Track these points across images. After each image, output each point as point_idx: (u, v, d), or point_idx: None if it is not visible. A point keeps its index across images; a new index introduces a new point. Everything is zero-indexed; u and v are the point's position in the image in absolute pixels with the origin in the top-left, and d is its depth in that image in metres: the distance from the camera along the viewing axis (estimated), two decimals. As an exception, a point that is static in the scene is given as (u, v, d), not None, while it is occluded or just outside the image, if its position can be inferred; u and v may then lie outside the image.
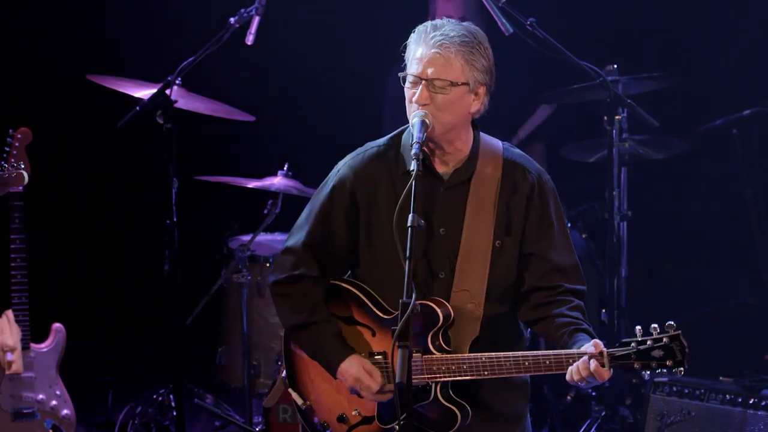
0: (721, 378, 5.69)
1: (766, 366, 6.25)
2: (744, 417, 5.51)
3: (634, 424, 6.29)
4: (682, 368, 3.81)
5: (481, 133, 4.20)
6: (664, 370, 3.83)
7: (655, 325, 3.82)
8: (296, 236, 4.28)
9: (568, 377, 3.89)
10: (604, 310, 6.43)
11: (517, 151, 4.25)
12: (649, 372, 3.84)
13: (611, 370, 3.86)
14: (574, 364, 3.87)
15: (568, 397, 6.71)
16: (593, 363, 3.84)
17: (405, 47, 4.10)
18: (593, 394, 6.57)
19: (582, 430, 6.38)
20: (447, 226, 4.14)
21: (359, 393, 4.15)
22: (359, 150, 4.27)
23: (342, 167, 4.25)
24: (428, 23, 4.08)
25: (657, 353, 3.81)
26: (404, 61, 4.11)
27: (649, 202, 7.07)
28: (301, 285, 4.24)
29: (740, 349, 6.83)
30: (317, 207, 4.25)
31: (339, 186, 4.21)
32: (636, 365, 3.84)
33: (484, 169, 4.15)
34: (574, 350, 3.91)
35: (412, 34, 4.09)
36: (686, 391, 5.67)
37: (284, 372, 4.39)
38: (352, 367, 4.13)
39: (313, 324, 4.21)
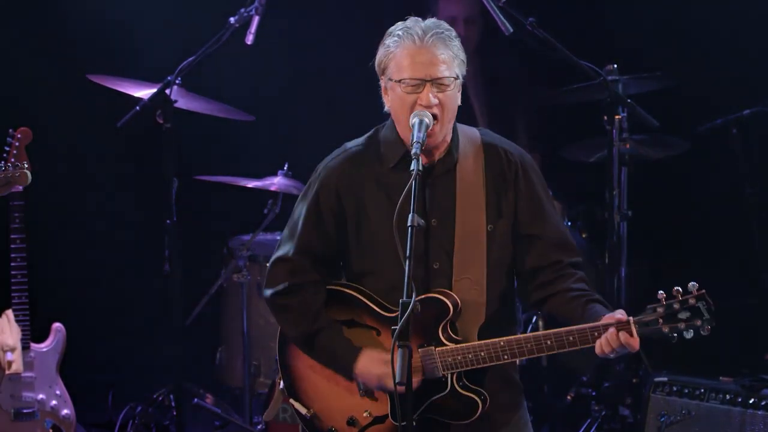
0: (721, 378, 5.69)
1: (766, 366, 6.24)
2: (744, 417, 5.50)
3: (634, 423, 6.29)
4: (710, 326, 3.81)
5: (456, 123, 4.21)
6: (692, 331, 3.81)
7: (679, 288, 3.83)
8: (286, 245, 4.25)
9: (597, 350, 3.88)
10: (604, 310, 6.42)
11: (493, 133, 4.26)
12: (677, 334, 3.83)
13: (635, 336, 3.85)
14: (602, 337, 3.86)
15: (568, 397, 6.71)
16: (622, 334, 3.84)
17: (383, 55, 4.09)
18: (593, 393, 6.57)
19: (582, 430, 6.38)
20: (438, 216, 4.14)
21: (385, 389, 4.12)
22: (337, 151, 4.26)
23: (322, 169, 4.23)
24: (410, 26, 4.05)
25: (684, 314, 3.81)
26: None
27: (649, 202, 7.07)
28: (301, 294, 4.21)
29: (740, 349, 6.83)
30: (304, 212, 4.22)
31: (323, 187, 4.20)
32: (664, 329, 3.83)
33: (467, 156, 4.16)
34: (599, 323, 3.89)
35: (391, 39, 4.07)
36: (686, 390, 5.66)
37: (282, 384, 4.35)
38: (372, 366, 4.10)
39: (315, 332, 4.18)
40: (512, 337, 3.99)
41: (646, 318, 3.85)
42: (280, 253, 4.26)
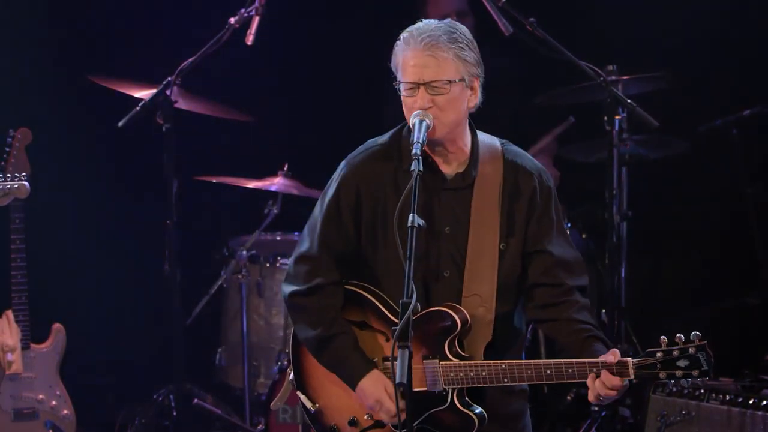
0: (721, 378, 5.69)
1: (766, 366, 6.24)
2: (744, 417, 5.50)
3: (634, 424, 6.29)
4: (707, 378, 3.84)
5: (479, 132, 4.21)
6: (689, 380, 3.85)
7: (681, 335, 3.84)
8: (308, 241, 4.24)
9: (590, 397, 3.92)
10: (604, 310, 6.43)
11: (515, 149, 4.25)
12: (673, 381, 3.87)
13: (625, 382, 3.87)
14: (597, 381, 3.88)
15: (568, 397, 6.71)
16: (604, 374, 3.87)
17: (393, 57, 4.09)
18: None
19: (582, 430, 6.38)
20: (452, 226, 4.14)
21: (375, 413, 4.14)
22: (361, 148, 4.25)
23: (345, 166, 4.22)
24: (412, 28, 4.07)
25: (683, 363, 3.83)
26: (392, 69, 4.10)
27: (649, 202, 7.07)
28: (320, 296, 4.20)
29: (740, 349, 6.83)
30: (324, 209, 4.21)
31: (344, 184, 4.19)
32: (661, 375, 3.86)
33: (486, 172, 4.15)
34: (598, 360, 3.92)
35: (398, 43, 4.08)
36: (686, 391, 5.66)
37: (292, 374, 4.36)
38: (375, 388, 4.11)
39: (331, 337, 4.18)
40: (514, 361, 4.01)
41: (645, 361, 3.87)
42: (302, 249, 4.25)
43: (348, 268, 4.25)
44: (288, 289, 4.26)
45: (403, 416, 3.84)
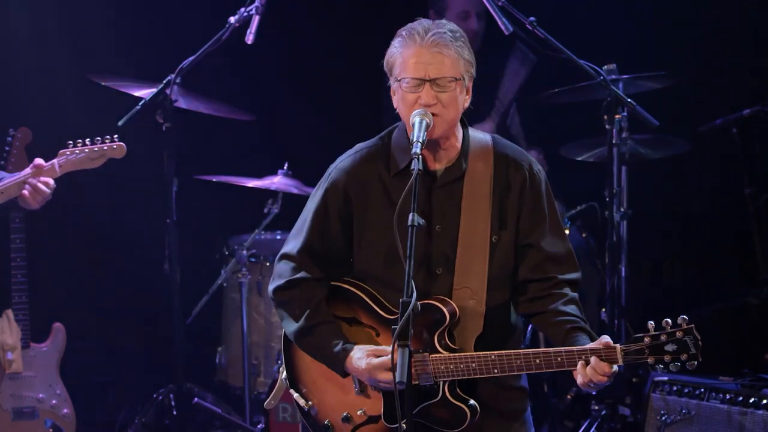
0: (721, 377, 5.69)
1: (766, 366, 6.24)
2: (744, 417, 5.50)
3: (634, 423, 6.30)
4: (695, 362, 3.83)
5: (469, 128, 4.22)
6: (678, 364, 3.84)
7: (668, 320, 3.85)
8: (292, 243, 4.29)
9: (580, 381, 3.91)
10: (604, 310, 6.43)
11: (506, 142, 4.27)
12: (662, 366, 3.86)
13: (615, 368, 3.87)
14: (588, 367, 3.88)
15: (568, 397, 6.71)
16: (594, 360, 3.86)
17: (390, 55, 4.10)
18: (593, 393, 6.57)
19: (582, 429, 6.38)
20: (443, 223, 4.15)
21: (378, 386, 4.13)
22: (349, 152, 4.28)
23: (333, 170, 4.25)
24: (414, 26, 4.09)
25: (670, 347, 3.83)
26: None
27: (649, 202, 7.07)
28: (302, 288, 4.24)
29: (740, 349, 6.82)
30: (312, 212, 4.25)
31: (332, 188, 4.22)
32: (649, 360, 3.86)
33: (476, 165, 4.16)
34: (586, 347, 3.93)
35: (397, 39, 4.09)
36: (686, 390, 5.66)
37: (284, 373, 4.38)
38: (360, 362, 4.11)
39: (313, 327, 4.20)
40: (503, 351, 4.01)
41: (633, 347, 3.87)
42: (285, 249, 4.30)
43: (335, 267, 4.27)
44: (271, 287, 4.31)
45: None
